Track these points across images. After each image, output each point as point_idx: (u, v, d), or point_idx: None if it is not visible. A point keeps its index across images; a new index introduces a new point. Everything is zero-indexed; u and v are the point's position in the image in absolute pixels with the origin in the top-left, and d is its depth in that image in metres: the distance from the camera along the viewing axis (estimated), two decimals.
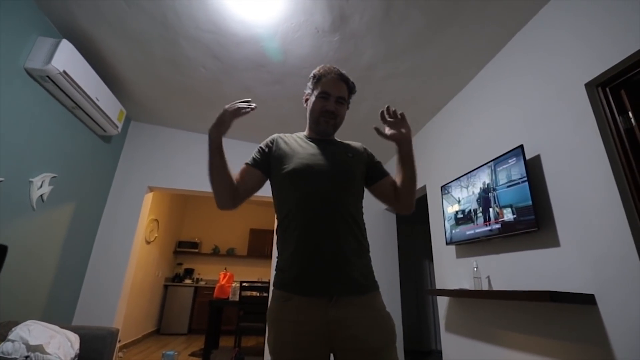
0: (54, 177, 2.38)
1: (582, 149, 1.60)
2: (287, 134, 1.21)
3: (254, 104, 1.04)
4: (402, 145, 1.08)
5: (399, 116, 1.08)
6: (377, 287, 1.04)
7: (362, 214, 1.12)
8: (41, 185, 2.26)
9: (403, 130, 1.08)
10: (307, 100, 1.22)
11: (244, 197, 1.10)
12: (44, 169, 2.29)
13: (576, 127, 1.64)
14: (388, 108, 1.09)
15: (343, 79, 1.15)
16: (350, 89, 1.18)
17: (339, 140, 1.24)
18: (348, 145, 1.22)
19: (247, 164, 1.15)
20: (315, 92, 1.15)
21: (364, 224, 1.10)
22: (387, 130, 1.09)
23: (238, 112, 1.03)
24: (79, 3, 2.05)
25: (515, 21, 2.00)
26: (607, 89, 1.53)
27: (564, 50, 1.74)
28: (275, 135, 1.20)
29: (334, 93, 1.13)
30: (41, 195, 2.27)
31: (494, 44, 2.18)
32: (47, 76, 2.08)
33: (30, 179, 2.17)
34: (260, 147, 1.17)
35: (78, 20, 2.19)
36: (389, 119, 1.09)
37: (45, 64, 2.03)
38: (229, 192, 1.05)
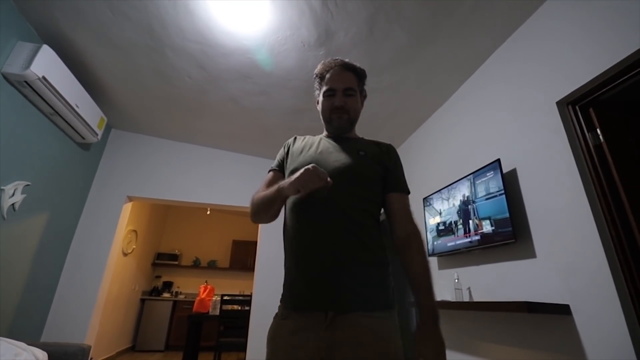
0: (28, 185, 2.28)
1: (554, 164, 1.67)
2: (309, 135, 1.15)
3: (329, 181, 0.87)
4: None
5: None
6: (389, 305, 0.88)
7: (377, 219, 0.98)
8: (13, 194, 2.16)
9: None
10: (318, 102, 1.11)
11: (281, 207, 1.02)
12: (17, 177, 2.20)
13: (549, 143, 1.72)
14: None
15: (348, 68, 1.05)
16: (360, 76, 1.07)
17: (361, 137, 1.12)
18: (368, 143, 1.09)
19: (273, 169, 1.11)
20: (322, 91, 1.06)
21: (378, 230, 0.96)
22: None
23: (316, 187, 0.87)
24: (61, 8, 2.02)
25: (492, 41, 2.10)
26: (577, 107, 1.62)
27: (537, 69, 1.84)
28: (295, 136, 1.16)
29: (339, 87, 1.03)
30: (13, 204, 2.18)
31: (472, 61, 2.28)
32: (25, 81, 2.02)
33: (2, 187, 2.08)
34: (282, 148, 1.13)
35: (60, 26, 2.15)
36: None
37: (23, 69, 1.98)
38: (271, 219, 1.03)
